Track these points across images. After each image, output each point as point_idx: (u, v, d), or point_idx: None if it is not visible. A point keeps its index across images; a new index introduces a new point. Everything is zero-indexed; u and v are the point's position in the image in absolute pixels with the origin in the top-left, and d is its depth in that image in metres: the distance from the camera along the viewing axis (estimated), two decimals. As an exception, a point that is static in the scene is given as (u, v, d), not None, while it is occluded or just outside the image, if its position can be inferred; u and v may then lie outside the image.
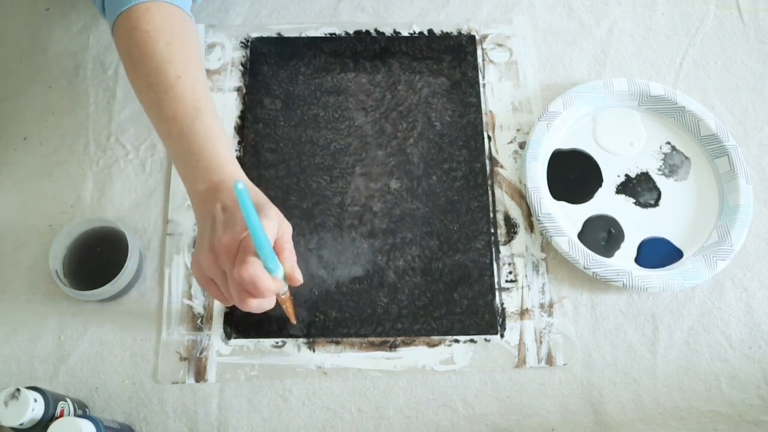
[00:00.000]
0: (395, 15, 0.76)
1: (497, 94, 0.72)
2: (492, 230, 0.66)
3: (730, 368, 0.62)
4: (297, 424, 0.59)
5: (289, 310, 0.58)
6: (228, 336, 0.62)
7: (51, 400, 0.52)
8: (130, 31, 0.55)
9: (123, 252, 0.60)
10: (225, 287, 0.50)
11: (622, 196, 0.67)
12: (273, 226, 0.48)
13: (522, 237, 0.66)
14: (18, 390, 0.49)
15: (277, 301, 0.53)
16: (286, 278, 0.51)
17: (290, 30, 0.74)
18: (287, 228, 0.51)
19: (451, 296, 0.63)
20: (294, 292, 0.63)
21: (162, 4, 0.56)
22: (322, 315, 0.62)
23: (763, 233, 0.67)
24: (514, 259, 0.65)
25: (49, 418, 0.51)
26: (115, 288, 0.60)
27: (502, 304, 0.63)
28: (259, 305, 0.49)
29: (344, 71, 0.72)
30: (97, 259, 0.62)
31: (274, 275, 0.48)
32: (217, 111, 0.56)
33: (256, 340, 0.62)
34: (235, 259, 0.47)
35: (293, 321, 0.60)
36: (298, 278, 0.51)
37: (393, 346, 0.62)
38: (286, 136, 0.69)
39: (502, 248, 0.65)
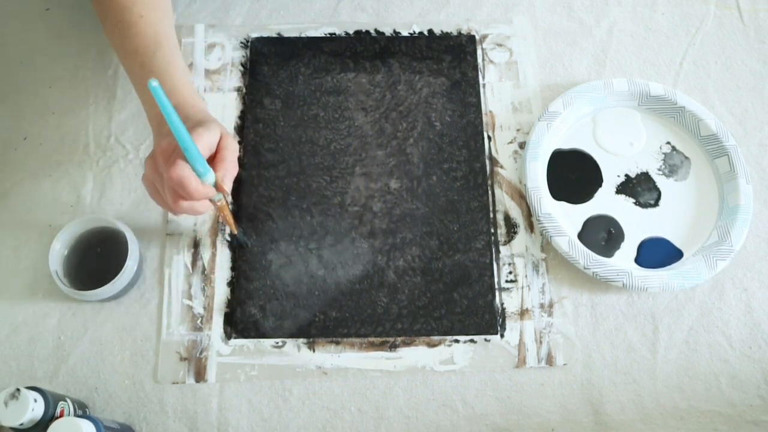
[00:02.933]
0: (395, 15, 0.76)
1: (497, 94, 0.72)
2: (492, 230, 0.66)
3: (730, 368, 0.62)
4: (297, 424, 0.59)
5: (227, 218, 0.60)
6: (228, 336, 0.62)
7: (51, 400, 0.52)
8: None
9: (123, 252, 0.60)
10: (163, 191, 0.53)
11: (622, 196, 0.67)
12: (209, 136, 0.52)
13: (522, 237, 0.66)
14: (18, 390, 0.49)
15: (219, 210, 0.57)
16: (216, 187, 0.53)
17: (290, 30, 0.74)
18: (233, 144, 0.54)
19: (451, 296, 0.63)
20: (293, 291, 0.63)
21: None
22: (322, 315, 0.62)
23: (763, 233, 0.67)
24: (514, 259, 0.65)
25: (49, 418, 0.51)
26: (115, 288, 0.60)
27: (502, 304, 0.63)
28: (189, 207, 0.53)
29: (344, 71, 0.72)
30: (97, 259, 0.62)
31: (203, 179, 0.51)
32: (178, 47, 0.61)
33: (256, 340, 0.62)
34: (167, 163, 0.51)
35: (234, 230, 0.62)
36: (226, 189, 0.54)
37: (393, 346, 0.62)
38: (286, 136, 0.69)
39: (502, 248, 0.65)
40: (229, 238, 0.65)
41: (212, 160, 0.53)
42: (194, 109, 0.56)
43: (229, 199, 0.60)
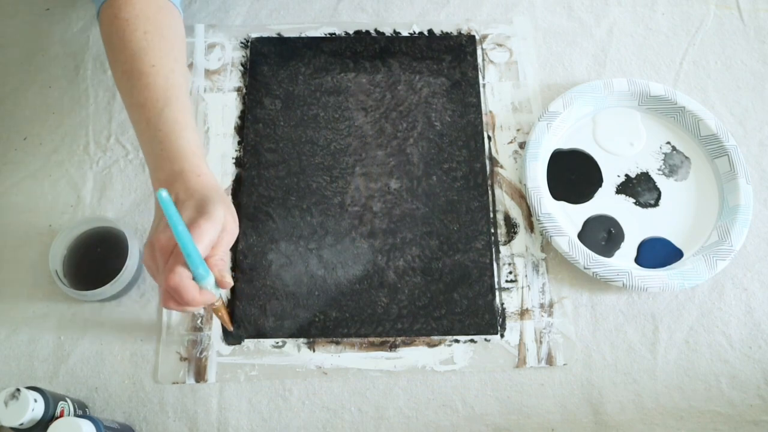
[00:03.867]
0: (395, 15, 0.76)
1: (497, 94, 0.72)
2: (492, 230, 0.66)
3: (730, 368, 0.62)
4: (297, 424, 0.59)
5: (223, 317, 0.58)
6: (229, 338, 0.62)
7: (51, 400, 0.52)
8: (111, 19, 0.56)
9: (123, 252, 0.60)
10: (159, 281, 0.49)
11: (622, 196, 0.67)
12: (212, 231, 0.47)
13: (522, 237, 0.66)
14: (18, 390, 0.49)
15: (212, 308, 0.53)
16: (218, 284, 0.50)
17: (290, 30, 0.74)
18: (232, 228, 0.50)
19: (451, 296, 0.63)
20: (293, 291, 0.63)
21: None
22: (322, 315, 0.62)
23: (763, 233, 0.67)
24: (514, 259, 0.65)
25: (49, 418, 0.51)
26: (115, 288, 0.60)
27: (502, 304, 0.63)
28: (180, 309, 0.49)
29: (344, 71, 0.72)
30: (97, 259, 0.62)
31: (203, 284, 0.48)
32: (190, 102, 0.56)
33: (256, 340, 0.61)
34: (166, 260, 0.47)
35: (229, 328, 0.60)
36: (228, 282, 0.50)
37: (393, 346, 0.62)
38: (286, 136, 0.69)
39: (502, 248, 0.65)
40: (221, 335, 0.62)
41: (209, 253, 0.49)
42: (199, 180, 0.51)
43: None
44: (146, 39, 0.55)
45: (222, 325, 0.61)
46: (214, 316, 0.62)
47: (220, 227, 0.48)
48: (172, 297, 0.47)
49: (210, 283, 0.48)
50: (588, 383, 0.61)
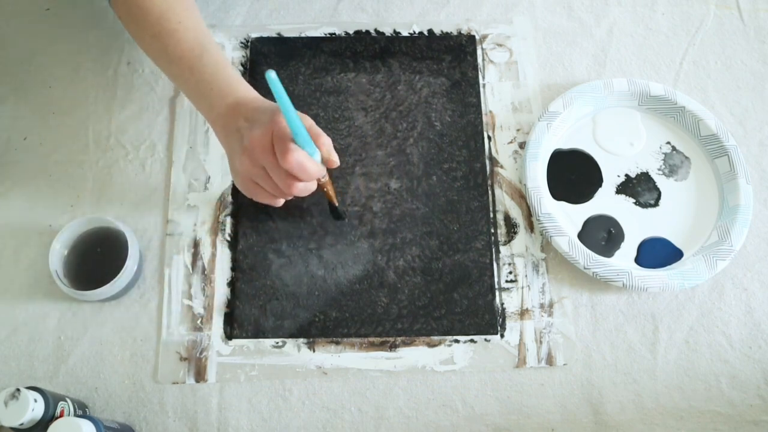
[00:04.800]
0: (395, 15, 0.76)
1: (497, 94, 0.72)
2: (492, 230, 0.66)
3: (730, 368, 0.62)
4: (297, 424, 0.59)
5: (330, 192, 0.62)
6: (228, 336, 0.62)
7: (51, 400, 0.52)
8: None
9: (123, 252, 0.60)
10: (268, 182, 0.55)
11: (622, 196, 0.67)
12: (303, 118, 0.53)
13: (522, 237, 0.66)
14: (18, 390, 0.49)
15: (318, 185, 0.58)
16: (324, 162, 0.56)
17: (290, 30, 0.74)
18: (309, 119, 0.55)
19: (451, 296, 0.63)
20: (293, 291, 0.63)
21: None
22: (322, 315, 0.62)
23: (763, 233, 0.67)
24: (514, 259, 0.65)
25: (49, 418, 0.51)
26: (115, 288, 0.60)
27: (502, 304, 0.63)
28: (305, 188, 0.56)
29: (344, 71, 0.72)
30: (97, 259, 0.62)
31: (314, 158, 0.54)
32: (218, 45, 0.61)
33: (256, 340, 0.62)
34: (271, 152, 0.53)
35: (335, 202, 0.63)
36: (335, 160, 0.57)
37: (393, 346, 0.62)
38: (286, 136, 0.69)
39: (502, 248, 0.65)
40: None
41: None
42: (260, 100, 0.56)
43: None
44: (165, 2, 0.59)
45: (329, 203, 0.64)
46: (213, 315, 0.62)
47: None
48: (294, 177, 0.53)
49: (318, 157, 0.55)
50: (588, 383, 0.61)
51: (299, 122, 0.51)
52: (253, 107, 0.55)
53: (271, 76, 0.47)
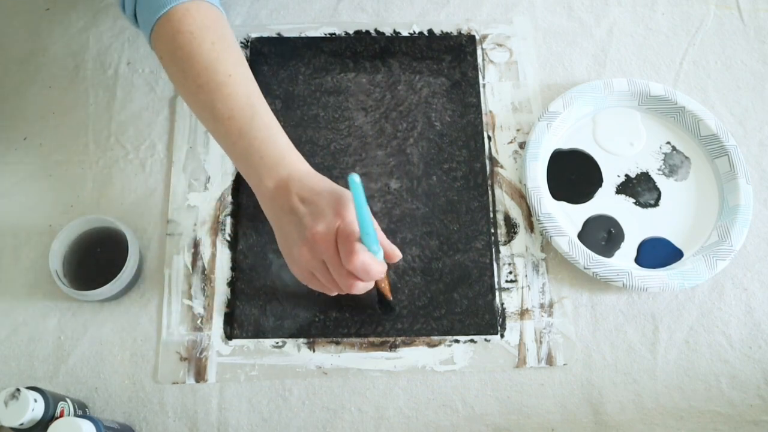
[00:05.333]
0: (395, 15, 0.76)
1: (497, 94, 0.72)
2: (492, 230, 0.66)
3: (730, 368, 0.62)
4: (297, 424, 0.59)
5: (386, 288, 0.60)
6: (228, 336, 0.62)
7: (51, 400, 0.52)
8: (173, 35, 0.54)
9: (123, 252, 0.60)
10: (326, 276, 0.51)
11: (622, 196, 0.67)
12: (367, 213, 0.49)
13: (522, 237, 0.66)
14: (18, 390, 0.49)
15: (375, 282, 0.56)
16: (385, 258, 0.54)
17: (290, 30, 0.74)
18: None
19: (451, 296, 0.63)
20: (293, 291, 0.63)
21: (201, 3, 0.55)
22: (322, 315, 0.62)
23: (763, 233, 0.67)
24: (514, 259, 0.65)
25: (49, 418, 0.51)
26: (115, 288, 0.60)
27: (502, 304, 0.63)
28: (365, 287, 0.52)
29: (344, 71, 0.72)
30: (97, 259, 0.62)
31: (378, 258, 0.51)
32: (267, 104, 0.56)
33: (256, 340, 0.62)
34: (334, 248, 0.49)
35: (390, 297, 0.61)
36: (398, 254, 0.54)
37: (393, 346, 0.62)
38: (286, 136, 0.69)
39: (502, 248, 0.65)
40: (378, 306, 0.63)
41: None
42: (318, 179, 0.53)
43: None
44: (215, 49, 0.54)
45: (379, 298, 0.62)
46: (213, 315, 0.62)
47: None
48: (357, 277, 0.50)
49: (381, 256, 0.52)
50: (588, 383, 0.61)
51: (371, 223, 0.48)
52: (309, 187, 0.51)
53: (356, 180, 0.43)
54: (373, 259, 0.50)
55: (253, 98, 0.54)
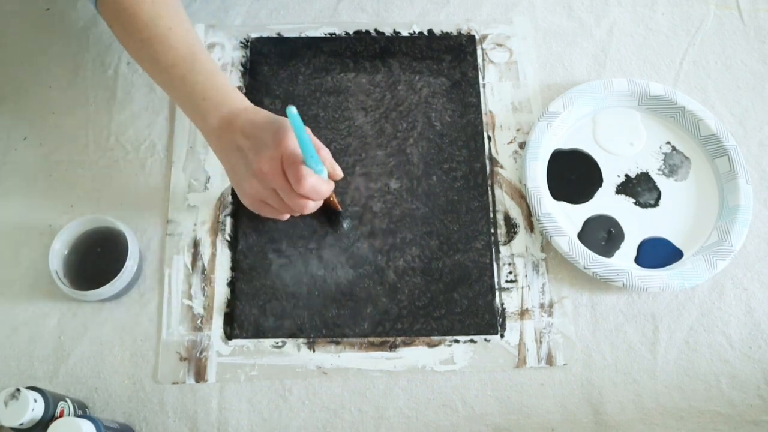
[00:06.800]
0: (395, 15, 0.76)
1: (497, 94, 0.72)
2: (492, 230, 0.66)
3: (730, 368, 0.62)
4: (297, 424, 0.59)
5: (335, 201, 0.64)
6: (228, 336, 0.62)
7: (51, 400, 0.52)
8: None
9: (123, 252, 0.60)
10: (279, 202, 0.56)
11: (622, 196, 0.67)
12: (309, 135, 0.53)
13: (522, 237, 0.66)
14: (18, 390, 0.49)
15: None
16: (329, 176, 0.57)
17: (290, 30, 0.74)
18: (309, 130, 0.55)
19: (451, 296, 0.63)
20: (293, 291, 0.63)
21: None
22: (323, 315, 0.62)
23: (763, 233, 0.67)
24: (514, 259, 0.65)
25: (49, 418, 0.51)
26: (115, 288, 0.60)
27: (502, 304, 0.63)
28: (315, 206, 0.57)
29: (344, 71, 0.72)
30: (97, 259, 0.62)
31: (323, 177, 0.55)
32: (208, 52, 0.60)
33: (256, 340, 0.62)
34: (282, 177, 0.53)
35: (339, 208, 0.65)
36: (339, 173, 0.59)
37: (393, 346, 0.62)
38: (286, 136, 0.69)
39: (502, 248, 0.65)
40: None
41: None
42: (258, 113, 0.56)
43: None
44: (154, 7, 0.58)
45: (327, 216, 0.65)
46: (213, 315, 0.62)
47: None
48: (308, 197, 0.54)
49: (325, 175, 0.56)
50: (588, 383, 0.61)
51: (312, 146, 0.52)
52: (250, 121, 0.55)
53: (292, 111, 0.47)
54: (320, 180, 0.54)
55: (194, 47, 0.58)
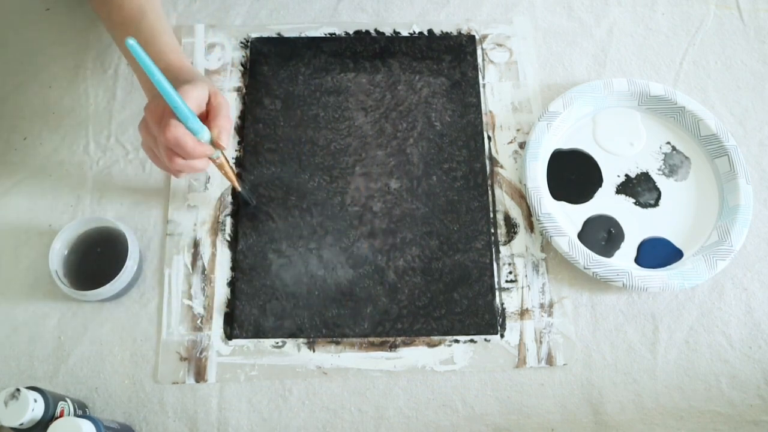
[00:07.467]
0: (395, 15, 0.76)
1: (497, 94, 0.72)
2: (492, 230, 0.66)
3: (730, 368, 0.62)
4: (297, 424, 0.59)
5: (228, 175, 0.60)
6: (228, 336, 0.62)
7: (51, 400, 0.52)
8: None
9: (123, 252, 0.60)
10: (159, 153, 0.55)
11: (622, 196, 0.67)
12: (197, 92, 0.53)
13: (522, 237, 0.66)
14: (18, 390, 0.49)
15: (219, 167, 0.58)
16: (212, 143, 0.54)
17: (290, 30, 0.74)
18: (224, 99, 0.56)
19: (451, 296, 0.63)
20: (293, 291, 0.63)
21: None
22: (323, 315, 0.62)
23: (763, 233, 0.67)
24: (514, 259, 0.65)
25: (49, 418, 0.51)
26: (115, 288, 0.60)
27: (502, 304, 0.63)
28: (187, 165, 0.54)
29: (344, 71, 0.72)
30: (97, 259, 0.62)
31: (198, 137, 0.52)
32: (163, 14, 0.62)
33: (256, 340, 0.62)
34: (159, 124, 0.52)
35: (237, 187, 0.62)
36: (223, 143, 0.55)
37: (393, 346, 0.62)
38: (286, 136, 0.69)
39: (502, 248, 0.65)
40: (231, 199, 0.66)
41: (205, 119, 0.54)
42: (182, 71, 0.57)
43: (230, 155, 0.61)
44: None
45: (232, 192, 0.65)
46: (213, 315, 0.62)
47: (206, 92, 0.54)
48: (175, 153, 0.52)
49: (205, 137, 0.53)
50: (588, 383, 0.61)
51: (176, 98, 0.50)
52: (173, 77, 0.54)
53: (129, 42, 0.45)
54: (188, 135, 0.51)
55: (144, 7, 0.60)
